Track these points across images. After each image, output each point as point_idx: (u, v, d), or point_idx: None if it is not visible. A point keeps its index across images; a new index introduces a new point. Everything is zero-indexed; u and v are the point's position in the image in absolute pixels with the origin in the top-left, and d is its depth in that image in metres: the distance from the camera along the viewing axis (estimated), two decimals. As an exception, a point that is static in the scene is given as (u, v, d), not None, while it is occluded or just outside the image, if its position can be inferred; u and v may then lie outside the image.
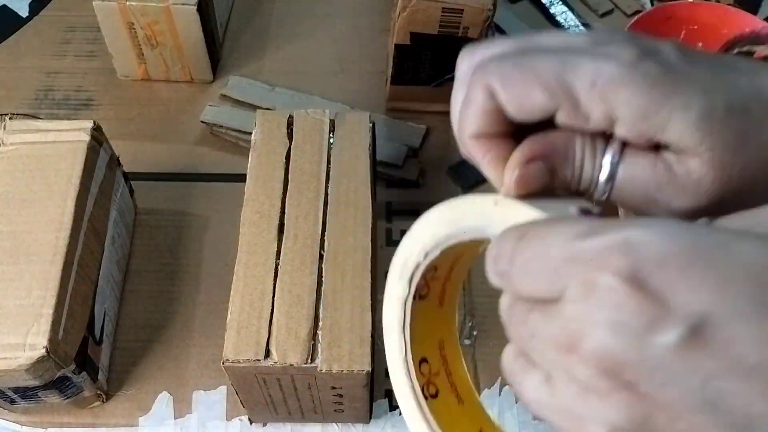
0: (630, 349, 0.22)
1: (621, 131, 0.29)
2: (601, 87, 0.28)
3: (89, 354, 0.62)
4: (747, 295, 0.22)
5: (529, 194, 0.30)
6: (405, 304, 0.39)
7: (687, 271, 0.22)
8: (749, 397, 0.22)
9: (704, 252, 0.23)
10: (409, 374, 0.41)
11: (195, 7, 0.79)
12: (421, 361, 0.42)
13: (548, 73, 0.29)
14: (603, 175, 0.30)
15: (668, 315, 0.22)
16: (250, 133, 0.65)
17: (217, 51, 0.90)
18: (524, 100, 0.30)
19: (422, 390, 0.41)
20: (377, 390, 0.68)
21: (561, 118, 0.30)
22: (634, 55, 0.28)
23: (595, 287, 0.23)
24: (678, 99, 0.28)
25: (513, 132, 0.32)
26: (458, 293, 0.43)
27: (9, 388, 0.58)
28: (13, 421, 0.66)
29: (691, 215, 0.29)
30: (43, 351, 0.54)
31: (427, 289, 0.41)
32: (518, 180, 0.30)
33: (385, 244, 0.78)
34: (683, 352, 0.22)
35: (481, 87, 0.31)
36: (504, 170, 0.32)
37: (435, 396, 0.42)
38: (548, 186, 0.31)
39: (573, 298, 0.24)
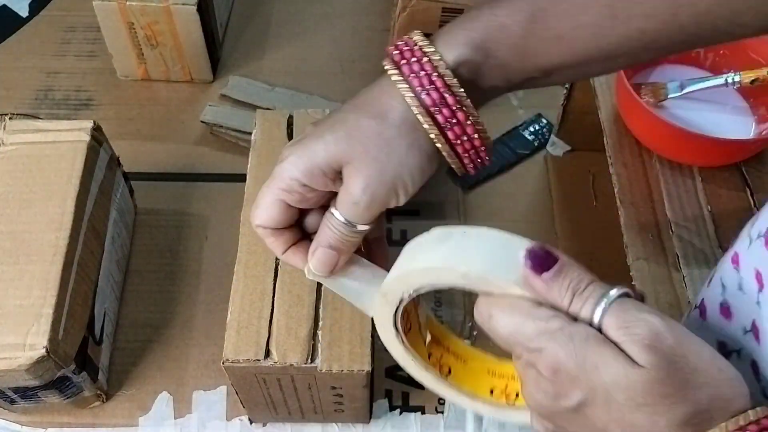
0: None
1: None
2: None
3: (89, 354, 0.62)
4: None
5: None
6: (402, 343, 0.42)
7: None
8: None
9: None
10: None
11: (195, 7, 0.79)
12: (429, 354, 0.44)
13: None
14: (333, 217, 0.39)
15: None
16: (250, 133, 0.65)
17: (217, 51, 0.90)
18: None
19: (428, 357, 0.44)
20: (377, 390, 0.68)
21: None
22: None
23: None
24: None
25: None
26: (424, 308, 0.44)
27: (9, 388, 0.58)
28: (13, 421, 0.66)
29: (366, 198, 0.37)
30: (43, 351, 0.54)
31: (409, 323, 0.43)
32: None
33: (385, 244, 0.78)
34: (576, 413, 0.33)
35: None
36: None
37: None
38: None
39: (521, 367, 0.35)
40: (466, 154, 0.37)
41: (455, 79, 0.35)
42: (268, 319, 0.55)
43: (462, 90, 0.35)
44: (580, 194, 0.82)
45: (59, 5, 0.96)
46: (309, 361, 0.53)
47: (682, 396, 0.31)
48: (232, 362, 0.53)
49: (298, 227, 0.42)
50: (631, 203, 0.66)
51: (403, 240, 0.78)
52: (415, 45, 0.36)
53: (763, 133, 0.66)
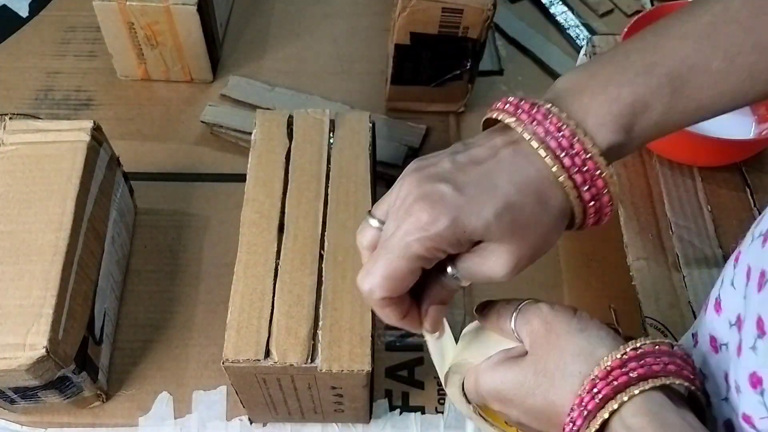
0: None
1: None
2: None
3: (89, 354, 0.62)
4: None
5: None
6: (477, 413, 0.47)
7: None
8: None
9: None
10: None
11: (195, 8, 0.79)
12: None
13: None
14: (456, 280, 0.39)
15: None
16: (250, 133, 0.65)
17: (216, 51, 0.90)
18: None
19: None
20: (377, 390, 0.68)
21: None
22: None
23: None
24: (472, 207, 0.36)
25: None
26: None
27: (9, 388, 0.58)
28: (13, 421, 0.66)
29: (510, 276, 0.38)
30: (43, 351, 0.54)
31: None
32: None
33: (385, 244, 0.78)
34: None
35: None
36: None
37: None
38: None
39: None
40: (594, 223, 0.39)
41: (611, 173, 0.36)
42: (268, 319, 0.55)
43: (613, 178, 0.36)
44: (580, 194, 0.82)
45: (59, 5, 0.96)
46: (309, 361, 0.53)
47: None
48: (232, 362, 0.53)
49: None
50: (631, 203, 0.66)
51: (403, 240, 0.78)
52: (565, 127, 0.35)
53: (763, 133, 0.66)
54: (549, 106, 0.36)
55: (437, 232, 0.35)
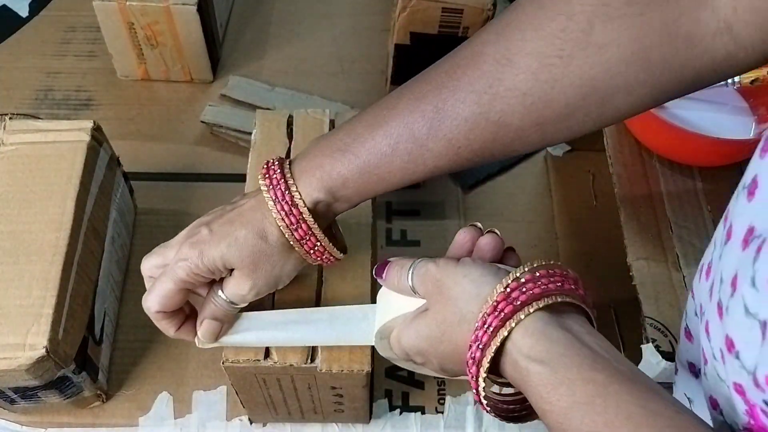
0: None
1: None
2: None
3: (89, 354, 0.62)
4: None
5: None
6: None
7: None
8: None
9: None
10: None
11: (195, 8, 0.79)
12: None
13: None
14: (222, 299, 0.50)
15: None
16: (250, 133, 0.65)
17: (217, 51, 0.90)
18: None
19: None
20: (377, 390, 0.68)
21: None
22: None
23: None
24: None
25: None
26: None
27: (9, 388, 0.58)
28: (13, 421, 0.66)
29: (253, 295, 0.50)
30: (43, 351, 0.54)
31: None
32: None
33: (385, 243, 0.78)
34: None
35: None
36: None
37: None
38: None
39: None
40: (326, 261, 0.50)
41: (313, 220, 0.46)
42: (268, 319, 0.55)
43: (318, 228, 0.47)
44: (579, 194, 0.82)
45: (59, 5, 0.96)
46: (309, 361, 0.53)
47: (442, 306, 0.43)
48: (232, 362, 0.53)
49: (187, 304, 0.51)
50: (631, 203, 0.66)
51: (403, 240, 0.78)
52: (283, 181, 0.46)
53: (763, 134, 0.66)
54: (286, 166, 0.47)
55: (193, 261, 0.47)
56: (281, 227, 0.46)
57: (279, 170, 0.47)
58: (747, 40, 0.38)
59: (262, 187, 0.47)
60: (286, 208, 0.46)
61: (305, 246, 0.48)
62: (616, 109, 0.42)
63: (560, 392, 0.36)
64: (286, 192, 0.46)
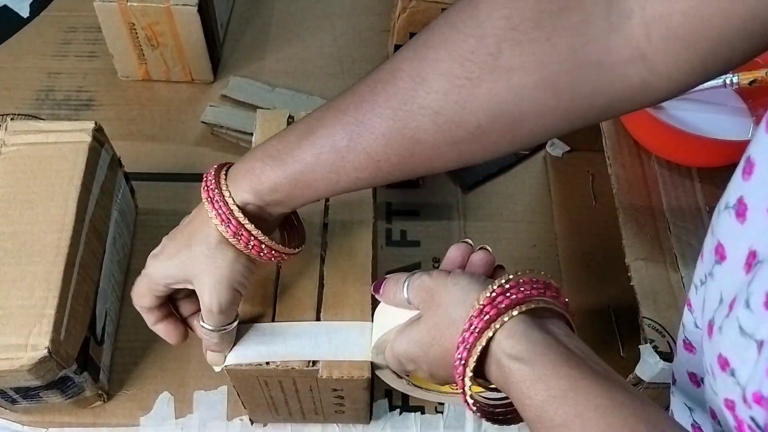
0: None
1: None
2: None
3: (91, 354, 0.62)
4: None
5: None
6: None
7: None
8: None
9: None
10: None
11: (195, 8, 0.79)
12: None
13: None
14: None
15: None
16: (251, 134, 0.65)
17: (217, 51, 0.90)
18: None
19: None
20: (377, 390, 0.68)
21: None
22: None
23: None
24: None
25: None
26: None
27: (11, 388, 0.58)
28: (14, 421, 0.66)
29: (217, 303, 0.50)
30: (45, 351, 0.54)
31: None
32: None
33: (385, 244, 0.78)
34: None
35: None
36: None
37: None
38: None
39: None
40: (271, 258, 0.50)
41: (245, 217, 0.48)
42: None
43: (249, 222, 0.48)
44: (579, 195, 0.82)
45: (60, 6, 0.96)
46: (310, 365, 0.53)
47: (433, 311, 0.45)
48: (234, 365, 0.53)
49: (167, 306, 0.54)
50: (630, 204, 0.66)
51: (403, 240, 0.79)
52: (215, 182, 0.49)
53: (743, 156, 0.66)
54: (224, 169, 0.50)
55: (149, 271, 0.51)
56: (216, 225, 0.48)
57: (214, 173, 0.49)
58: (662, 68, 0.38)
59: (205, 203, 0.49)
60: (217, 206, 0.48)
61: (242, 241, 0.48)
62: (529, 131, 0.42)
63: (537, 387, 0.39)
64: (216, 191, 0.48)
